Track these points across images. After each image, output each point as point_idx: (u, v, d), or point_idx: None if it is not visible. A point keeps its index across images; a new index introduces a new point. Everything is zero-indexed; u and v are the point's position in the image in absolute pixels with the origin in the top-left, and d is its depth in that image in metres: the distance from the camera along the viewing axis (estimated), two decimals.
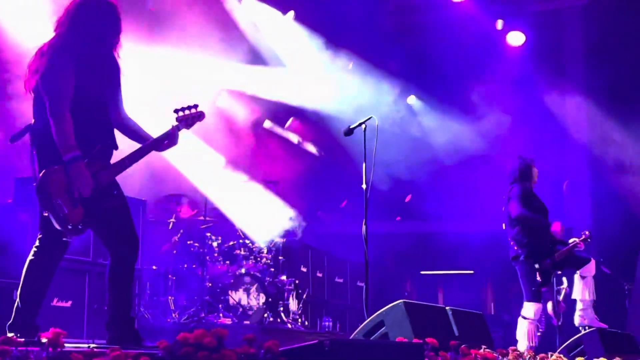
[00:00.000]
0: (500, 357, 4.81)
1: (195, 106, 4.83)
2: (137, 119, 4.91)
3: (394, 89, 13.24)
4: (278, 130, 13.55)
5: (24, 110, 5.71)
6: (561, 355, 5.70)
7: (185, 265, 9.30)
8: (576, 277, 8.06)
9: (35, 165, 4.47)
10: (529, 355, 5.19)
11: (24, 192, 6.82)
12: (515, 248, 7.92)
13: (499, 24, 13.23)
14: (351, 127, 6.54)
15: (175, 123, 4.77)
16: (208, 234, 9.52)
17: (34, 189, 4.38)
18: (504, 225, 8.10)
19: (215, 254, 9.50)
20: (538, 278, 7.74)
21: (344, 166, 12.51)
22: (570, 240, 8.12)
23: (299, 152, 13.54)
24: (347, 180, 11.49)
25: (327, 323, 10.62)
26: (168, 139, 4.73)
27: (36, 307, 4.49)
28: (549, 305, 9.86)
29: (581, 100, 13.35)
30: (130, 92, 4.87)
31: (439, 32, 12.79)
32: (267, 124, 13.33)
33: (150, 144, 4.69)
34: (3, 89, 7.84)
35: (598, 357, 6.01)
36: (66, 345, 3.00)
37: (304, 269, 11.26)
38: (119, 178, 4.64)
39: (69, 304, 7.00)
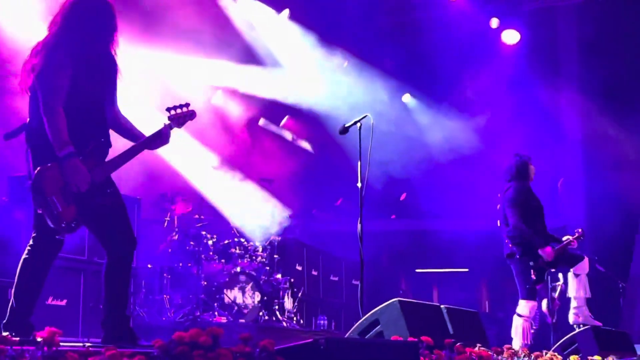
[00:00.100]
0: (495, 355, 4.82)
1: (187, 105, 4.85)
2: (130, 117, 4.92)
3: (389, 87, 13.25)
4: (273, 128, 13.55)
5: (20, 107, 5.70)
6: (555, 353, 5.71)
7: (181, 264, 9.29)
8: (570, 275, 8.08)
9: (30, 164, 4.47)
10: (523, 354, 5.20)
11: (18, 190, 6.82)
12: (510, 246, 7.92)
13: (494, 23, 13.25)
14: (346, 125, 6.54)
15: (167, 122, 4.78)
16: (203, 233, 9.52)
17: (29, 187, 4.38)
18: (498, 222, 8.10)
19: (211, 253, 9.50)
20: (533, 276, 7.74)
21: (339, 164, 12.52)
22: (564, 238, 8.13)
23: (294, 150, 13.54)
24: (342, 179, 11.50)
25: (322, 321, 10.63)
26: (160, 138, 4.74)
27: (31, 306, 4.48)
28: (544, 303, 9.88)
29: (576, 98, 13.37)
30: (123, 90, 4.87)
31: (433, 30, 12.80)
32: (262, 122, 13.33)
33: (143, 143, 4.71)
34: None
35: (592, 355, 6.02)
36: (61, 344, 3.00)
37: (299, 268, 11.26)
38: (113, 176, 4.64)
39: (64, 302, 7.00)
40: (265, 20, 12.49)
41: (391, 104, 13.41)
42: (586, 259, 8.07)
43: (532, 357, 5.29)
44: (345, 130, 6.55)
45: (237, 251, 9.65)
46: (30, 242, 4.55)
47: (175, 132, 4.82)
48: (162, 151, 5.25)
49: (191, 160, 11.12)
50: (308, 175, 13.33)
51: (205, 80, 11.62)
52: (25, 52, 4.65)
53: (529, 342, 7.56)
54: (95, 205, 4.48)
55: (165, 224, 9.72)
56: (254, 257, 9.77)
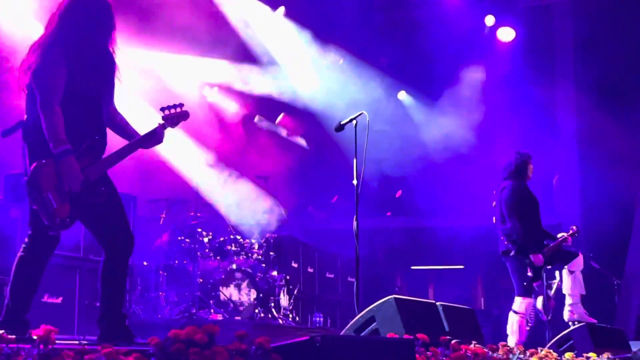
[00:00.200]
0: (490, 352, 4.83)
1: (181, 105, 4.86)
2: (125, 115, 4.93)
3: (385, 84, 13.25)
4: (268, 125, 13.53)
5: (17, 104, 5.69)
6: (551, 350, 5.71)
7: (177, 261, 9.29)
8: (564, 272, 8.09)
9: (27, 161, 4.47)
10: (518, 351, 5.21)
11: (14, 188, 6.81)
12: (506, 243, 7.91)
13: (490, 20, 13.25)
14: (342, 122, 6.55)
15: (161, 121, 4.79)
16: (199, 230, 9.52)
17: (25, 184, 4.38)
18: (494, 219, 8.09)
19: (207, 250, 9.50)
20: (529, 273, 7.74)
21: (334, 162, 12.52)
22: (559, 235, 8.14)
23: (289, 147, 13.53)
24: (338, 176, 11.50)
25: (318, 319, 10.65)
26: (154, 137, 4.75)
27: (27, 304, 4.48)
28: (539, 300, 9.89)
29: (571, 95, 13.39)
30: (119, 88, 4.88)
31: (429, 27, 12.78)
32: (258, 119, 13.32)
33: (137, 142, 4.72)
34: None
35: (587, 352, 6.02)
36: (57, 342, 2.99)
37: (294, 265, 11.27)
38: (110, 174, 4.64)
39: (59, 300, 6.99)
40: (261, 17, 12.49)
41: (387, 102, 13.41)
42: (581, 256, 8.08)
43: (527, 354, 5.29)
44: (341, 127, 6.56)
45: (233, 248, 9.65)
46: (26, 239, 4.55)
47: (170, 130, 4.84)
48: (158, 148, 5.26)
49: (187, 157, 11.11)
50: (304, 172, 13.32)
51: (201, 77, 11.61)
52: (23, 49, 4.65)
53: (524, 339, 7.56)
54: (90, 203, 4.48)
55: (161, 221, 9.72)
56: (249, 255, 9.77)
